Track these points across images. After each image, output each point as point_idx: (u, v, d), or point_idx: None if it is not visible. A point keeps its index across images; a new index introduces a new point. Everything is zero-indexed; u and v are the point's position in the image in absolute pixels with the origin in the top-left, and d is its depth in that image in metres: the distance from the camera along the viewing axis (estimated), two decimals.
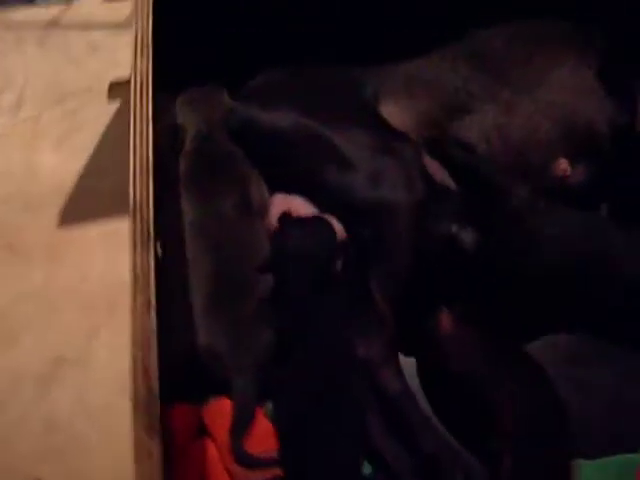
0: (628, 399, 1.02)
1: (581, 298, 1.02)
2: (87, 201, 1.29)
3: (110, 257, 1.24)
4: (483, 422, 0.98)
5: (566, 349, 1.07)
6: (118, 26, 1.50)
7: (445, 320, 1.05)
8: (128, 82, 1.36)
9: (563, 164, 1.15)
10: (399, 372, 1.05)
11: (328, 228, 1.07)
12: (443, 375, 1.04)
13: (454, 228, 1.05)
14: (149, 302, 0.76)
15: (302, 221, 1.09)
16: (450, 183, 1.12)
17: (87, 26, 1.51)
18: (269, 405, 1.01)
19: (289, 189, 1.13)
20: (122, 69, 1.40)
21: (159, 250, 0.83)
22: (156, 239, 0.83)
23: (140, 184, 0.84)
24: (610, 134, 1.16)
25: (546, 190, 1.13)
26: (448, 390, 1.04)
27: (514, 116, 1.15)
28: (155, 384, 0.75)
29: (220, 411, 1.00)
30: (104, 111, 1.39)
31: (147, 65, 0.93)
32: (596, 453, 0.96)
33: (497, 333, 1.05)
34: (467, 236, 1.04)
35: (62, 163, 1.33)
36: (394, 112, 1.16)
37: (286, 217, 1.10)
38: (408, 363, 1.07)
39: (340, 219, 1.09)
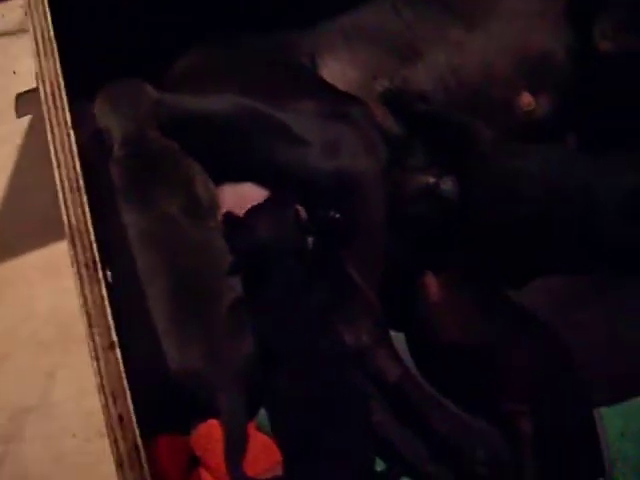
0: (628, 338, 0.97)
1: (566, 234, 0.99)
2: (15, 232, 1.20)
3: (53, 286, 1.15)
4: (491, 390, 0.93)
5: (558, 293, 1.02)
6: (11, 34, 1.37)
7: (432, 285, 0.98)
8: (35, 91, 1.27)
9: (526, 98, 1.10)
10: (395, 354, 0.98)
11: (289, 205, 0.99)
12: (437, 347, 0.98)
13: (431, 180, 0.98)
14: (111, 342, 0.65)
15: (260, 208, 1.00)
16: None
17: None
18: (261, 417, 0.94)
19: (237, 177, 1.04)
20: (23, 80, 1.31)
21: (108, 277, 0.72)
22: (103, 265, 0.71)
23: (73, 205, 0.72)
24: (569, 58, 1.11)
25: (512, 128, 1.08)
26: (445, 363, 0.98)
27: (468, 55, 1.09)
28: (134, 432, 0.65)
29: (209, 435, 0.92)
30: (14, 128, 1.29)
31: (54, 65, 0.80)
32: (613, 398, 0.92)
33: (488, 290, 0.99)
34: (447, 184, 0.98)
35: None
36: (336, 72, 1.08)
37: (231, 216, 1.01)
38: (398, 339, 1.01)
39: (300, 201, 1.00)
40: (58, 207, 1.12)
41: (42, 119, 1.20)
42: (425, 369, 0.99)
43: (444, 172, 0.99)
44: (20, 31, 1.36)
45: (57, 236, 1.14)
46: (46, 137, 1.18)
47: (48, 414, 1.06)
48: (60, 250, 1.15)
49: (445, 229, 0.99)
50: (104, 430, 0.99)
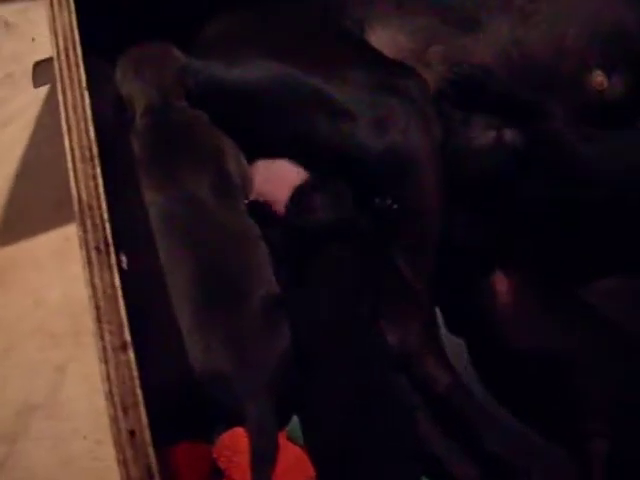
0: None
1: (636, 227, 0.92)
2: (26, 212, 1.12)
3: (65, 273, 1.07)
4: (565, 406, 0.86)
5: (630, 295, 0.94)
6: None
7: (501, 286, 0.90)
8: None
9: (599, 77, 1.02)
10: (445, 360, 0.91)
11: (344, 187, 0.93)
12: (506, 356, 0.90)
13: (492, 134, 0.93)
14: (123, 342, 0.55)
15: (314, 187, 0.93)
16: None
17: None
18: (293, 426, 0.87)
19: (272, 153, 0.97)
20: (41, 48, 1.24)
21: (123, 262, 0.61)
22: (118, 248, 0.61)
23: (84, 177, 0.62)
24: None
25: (580, 108, 1.01)
26: (514, 373, 0.90)
27: (533, 26, 1.01)
28: (147, 452, 0.54)
29: (234, 446, 0.84)
30: (31, 99, 1.21)
31: (69, 16, 0.71)
32: None
33: (562, 292, 0.92)
34: (511, 134, 0.93)
35: None
36: (385, 38, 1.00)
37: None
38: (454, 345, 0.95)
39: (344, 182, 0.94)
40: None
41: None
42: (489, 379, 0.92)
43: (502, 125, 0.93)
44: None
45: (71, 218, 1.07)
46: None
47: (57, 413, 0.99)
48: (73, 233, 1.08)
49: (510, 210, 0.92)
50: None
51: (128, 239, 0.70)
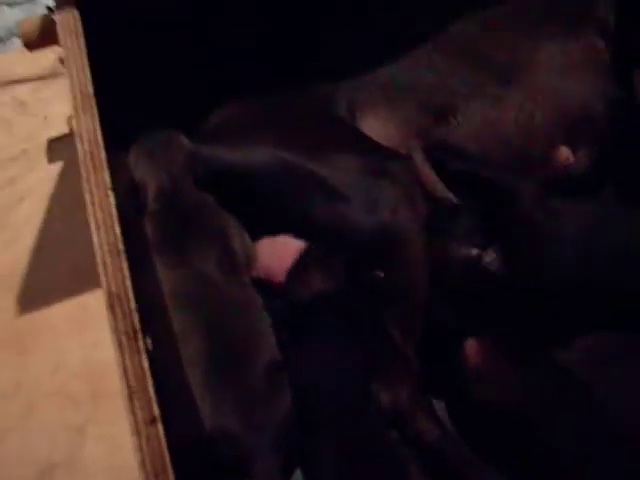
0: None
1: (613, 293, 0.96)
2: (44, 282, 1.17)
3: (82, 339, 1.13)
4: (540, 462, 0.89)
5: (603, 350, 0.97)
6: (42, 78, 1.37)
7: (472, 352, 0.94)
8: (67, 137, 1.26)
9: (564, 152, 1.07)
10: (434, 416, 0.95)
11: (336, 261, 0.98)
12: (480, 416, 0.94)
13: (473, 252, 0.96)
14: (153, 417, 0.63)
15: (307, 263, 0.98)
16: (450, 196, 1.03)
17: (10, 83, 1.37)
18: (296, 477, 0.91)
19: (274, 232, 1.02)
20: (54, 125, 1.31)
21: (149, 344, 0.69)
22: (144, 333, 0.69)
23: (113, 270, 0.70)
24: (608, 110, 1.09)
25: (549, 182, 1.06)
26: (489, 432, 0.94)
27: (504, 109, 1.07)
28: None
29: None
30: (46, 175, 1.27)
31: (93, 122, 0.79)
32: None
33: (531, 354, 0.96)
34: (491, 258, 0.96)
35: (9, 242, 1.21)
36: (375, 126, 1.06)
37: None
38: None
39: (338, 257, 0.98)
40: (88, 258, 1.13)
41: (74, 165, 1.23)
42: (468, 438, 0.95)
43: (486, 242, 0.97)
44: (52, 76, 1.35)
45: (87, 287, 1.14)
46: (78, 184, 1.18)
47: (78, 470, 1.03)
48: (89, 302, 1.14)
49: (487, 295, 0.97)
50: None
51: (149, 318, 0.77)
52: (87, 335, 1.12)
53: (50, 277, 1.17)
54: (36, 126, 1.32)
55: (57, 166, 1.27)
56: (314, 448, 0.89)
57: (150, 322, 0.78)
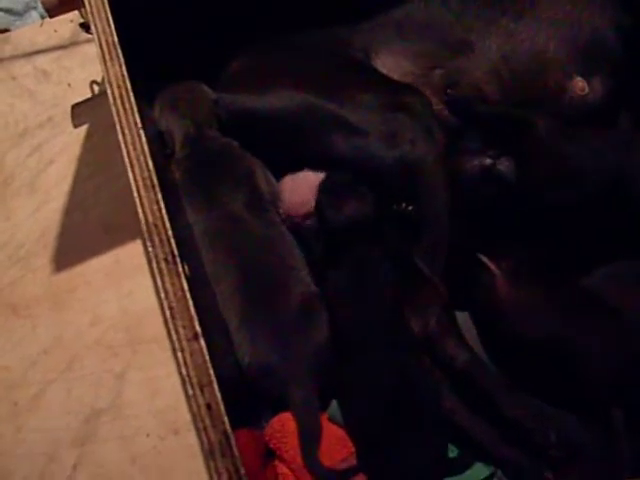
0: None
1: (628, 215, 0.97)
2: (77, 239, 1.20)
3: (118, 291, 1.16)
4: (573, 382, 0.92)
5: (625, 277, 0.99)
6: (63, 47, 1.39)
7: (501, 284, 0.97)
8: (90, 100, 1.28)
9: (579, 83, 1.08)
10: (462, 340, 0.99)
11: (365, 190, 1.00)
12: (512, 343, 0.97)
13: (487, 161, 0.98)
14: (195, 333, 0.66)
15: (341, 187, 1.00)
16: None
17: (31, 54, 1.39)
18: (332, 409, 0.94)
19: (297, 169, 1.05)
20: (77, 91, 1.32)
21: (187, 270, 0.72)
22: (182, 259, 0.72)
23: (148, 203, 0.73)
24: (620, 38, 1.09)
25: (566, 113, 1.07)
26: (521, 357, 0.97)
27: (518, 42, 1.08)
28: (223, 420, 0.65)
29: (284, 429, 0.92)
30: (72, 139, 1.29)
31: (121, 69, 0.82)
32: None
33: (556, 279, 0.98)
34: (503, 165, 0.98)
35: (40, 205, 1.23)
36: (390, 63, 1.08)
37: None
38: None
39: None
40: (117, 214, 1.17)
41: (99, 127, 1.27)
42: (499, 362, 0.98)
43: (500, 153, 0.99)
44: (72, 44, 1.37)
45: (118, 242, 1.17)
46: (104, 146, 1.24)
47: (121, 415, 1.07)
48: (121, 256, 1.17)
49: (504, 211, 0.98)
50: (178, 427, 1.03)
51: (186, 251, 0.81)
52: (121, 287, 1.15)
53: (82, 234, 1.20)
54: (60, 93, 1.34)
55: (82, 130, 1.29)
56: (348, 378, 0.92)
57: (189, 255, 0.82)
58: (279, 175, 1.05)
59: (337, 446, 0.91)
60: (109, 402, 1.08)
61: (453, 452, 0.94)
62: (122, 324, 1.12)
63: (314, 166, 1.03)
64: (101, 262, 1.18)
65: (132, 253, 1.15)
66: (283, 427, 0.92)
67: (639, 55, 1.08)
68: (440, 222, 0.98)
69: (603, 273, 0.98)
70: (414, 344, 0.94)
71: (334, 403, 0.94)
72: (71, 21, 1.38)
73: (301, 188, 1.02)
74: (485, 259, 0.99)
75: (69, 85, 1.34)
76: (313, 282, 0.97)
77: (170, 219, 0.76)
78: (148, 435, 1.05)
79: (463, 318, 1.01)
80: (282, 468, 0.93)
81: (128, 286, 1.14)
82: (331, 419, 0.94)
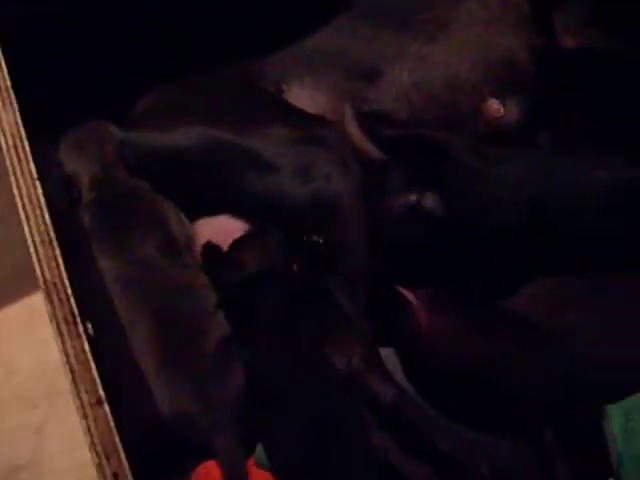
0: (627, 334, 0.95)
1: (552, 235, 0.96)
2: None
3: (34, 338, 1.12)
4: (501, 405, 0.91)
5: (548, 297, 0.99)
6: None
7: (420, 313, 0.95)
8: None
9: (494, 104, 1.07)
10: (388, 375, 0.95)
11: (271, 234, 0.99)
12: (438, 372, 0.95)
13: (412, 198, 0.96)
14: (98, 398, 0.63)
15: (242, 240, 0.99)
16: (382, 155, 1.03)
17: None
18: (259, 453, 0.91)
19: (212, 211, 1.02)
20: None
21: (90, 330, 0.69)
22: (83, 318, 0.68)
23: (46, 259, 0.70)
24: (533, 59, 1.08)
25: (483, 136, 1.06)
26: (448, 385, 0.94)
27: (430, 67, 1.07)
28: None
29: (208, 477, 0.90)
30: None
31: (14, 116, 0.78)
32: (615, 395, 0.90)
33: (477, 303, 0.97)
34: (429, 201, 0.96)
35: None
36: (302, 96, 1.06)
37: (211, 247, 1.00)
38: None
39: (278, 229, 0.99)
40: (30, 258, 1.12)
41: (7, 167, 1.22)
42: (426, 394, 0.96)
43: (423, 189, 0.97)
44: None
45: (31, 288, 1.13)
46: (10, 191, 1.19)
47: (41, 471, 1.04)
48: (35, 302, 1.12)
49: (430, 247, 0.97)
50: None
51: (91, 307, 0.77)
52: (37, 335, 1.11)
53: None
54: None
55: None
56: (272, 421, 0.90)
57: (95, 311, 0.79)
58: (194, 216, 1.03)
59: None
60: (28, 458, 1.05)
61: None
62: (39, 375, 1.09)
63: (229, 205, 1.00)
64: (15, 310, 1.14)
65: None
66: (208, 475, 0.90)
67: (553, 74, 1.08)
68: (358, 256, 0.96)
69: (526, 294, 0.97)
70: (337, 382, 0.92)
71: (260, 447, 0.91)
72: None
73: (218, 236, 1.00)
74: (401, 290, 0.96)
75: None
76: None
77: (74, 273, 0.73)
78: None
79: (387, 354, 0.98)
80: None
81: (43, 334, 1.09)
82: (259, 464, 0.91)
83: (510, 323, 0.95)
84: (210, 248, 1.00)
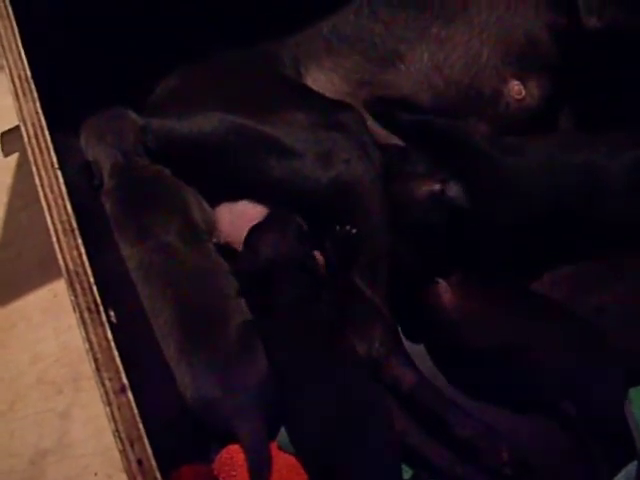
0: None
1: (576, 220, 0.96)
2: (12, 274, 1.17)
3: (58, 325, 1.13)
4: (530, 386, 0.91)
5: (574, 280, 1.01)
6: None
7: (445, 294, 0.96)
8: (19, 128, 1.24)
9: (515, 87, 1.07)
10: (409, 360, 0.96)
11: (289, 220, 0.98)
12: (465, 354, 0.95)
13: (436, 187, 0.96)
14: (122, 386, 0.64)
15: (261, 227, 0.98)
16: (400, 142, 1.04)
17: None
18: (282, 437, 0.92)
19: (232, 196, 1.02)
20: (6, 119, 1.25)
21: (112, 317, 0.70)
22: (106, 305, 0.69)
23: (68, 248, 0.70)
24: (554, 39, 1.07)
25: (504, 119, 1.06)
26: (475, 367, 0.95)
27: (451, 50, 1.06)
28: (155, 475, 0.63)
29: (232, 461, 0.90)
30: (2, 167, 1.26)
31: (34, 105, 0.78)
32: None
33: (504, 287, 0.98)
34: (453, 190, 0.96)
35: None
36: (321, 79, 1.06)
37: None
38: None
39: (299, 213, 0.99)
40: (53, 245, 1.13)
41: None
42: (454, 376, 0.97)
43: (447, 177, 0.97)
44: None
45: (55, 275, 1.13)
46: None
47: (67, 455, 1.04)
48: (59, 289, 1.13)
49: (454, 234, 0.97)
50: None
51: (114, 294, 0.78)
52: (61, 321, 1.12)
53: (18, 268, 1.17)
54: None
55: (13, 158, 1.26)
56: (295, 404, 0.90)
57: (118, 298, 0.79)
58: (215, 201, 1.03)
59: (289, 475, 0.89)
60: (54, 442, 1.05)
61: (407, 473, 0.92)
62: (63, 360, 1.09)
63: (249, 190, 1.00)
64: (39, 297, 1.15)
65: None
66: (232, 459, 0.89)
67: (574, 55, 1.07)
68: (378, 242, 0.96)
69: (552, 278, 0.99)
70: (359, 367, 0.93)
71: (283, 430, 0.92)
72: None
73: (239, 221, 1.00)
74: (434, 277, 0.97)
75: None
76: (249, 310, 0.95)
77: (97, 260, 0.73)
78: (96, 474, 1.02)
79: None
80: None
81: (68, 321, 1.10)
82: (281, 447, 0.91)
83: (538, 306, 0.95)
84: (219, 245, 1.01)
